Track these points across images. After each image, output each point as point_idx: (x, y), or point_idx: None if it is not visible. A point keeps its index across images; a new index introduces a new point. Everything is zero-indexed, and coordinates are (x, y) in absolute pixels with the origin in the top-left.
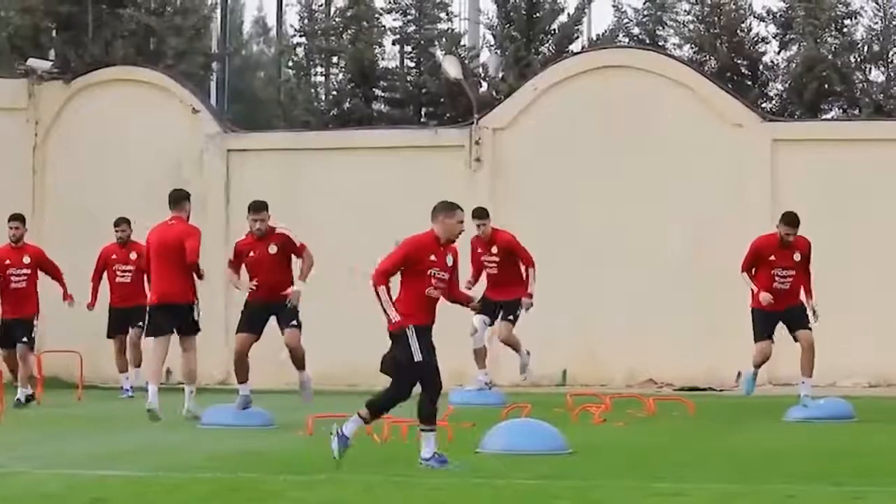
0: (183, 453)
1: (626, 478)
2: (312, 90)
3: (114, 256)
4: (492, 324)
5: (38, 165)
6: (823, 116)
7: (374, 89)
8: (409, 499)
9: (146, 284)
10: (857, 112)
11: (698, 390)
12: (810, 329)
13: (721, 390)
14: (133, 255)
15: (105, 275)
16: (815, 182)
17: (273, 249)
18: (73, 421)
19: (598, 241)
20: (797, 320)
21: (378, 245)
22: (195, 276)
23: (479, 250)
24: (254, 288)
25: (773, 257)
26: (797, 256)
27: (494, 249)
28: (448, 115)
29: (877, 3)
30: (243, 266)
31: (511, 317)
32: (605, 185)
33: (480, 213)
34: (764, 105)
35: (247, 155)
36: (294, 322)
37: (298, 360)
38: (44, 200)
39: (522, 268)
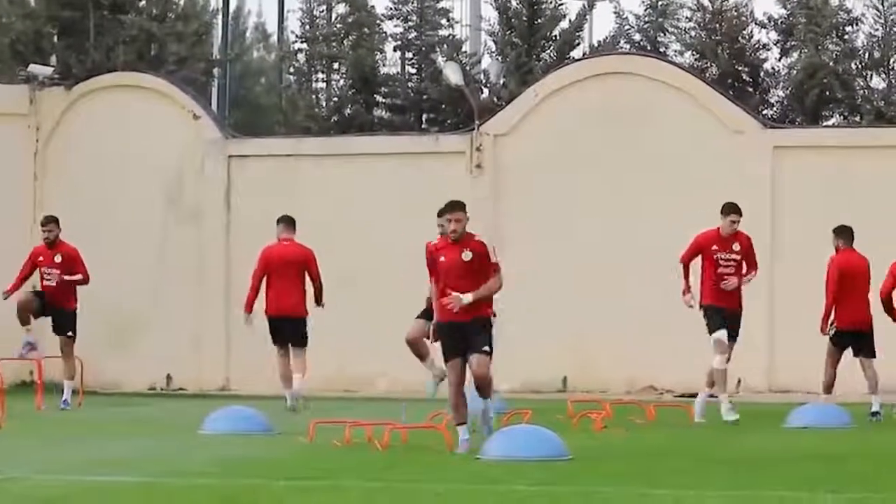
0: (183, 460)
1: (626, 484)
2: (313, 96)
3: (41, 258)
4: None
5: (40, 171)
6: (824, 123)
7: (375, 95)
8: None
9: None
10: (858, 119)
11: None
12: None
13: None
14: (58, 258)
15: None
16: (816, 189)
17: (468, 256)
18: (74, 427)
19: (599, 248)
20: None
21: (377, 251)
22: (316, 298)
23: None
24: None
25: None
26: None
27: None
28: (449, 121)
29: (878, 10)
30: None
31: None
32: (606, 191)
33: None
34: (765, 112)
35: (247, 161)
36: (485, 348)
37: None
38: (44, 206)
39: None
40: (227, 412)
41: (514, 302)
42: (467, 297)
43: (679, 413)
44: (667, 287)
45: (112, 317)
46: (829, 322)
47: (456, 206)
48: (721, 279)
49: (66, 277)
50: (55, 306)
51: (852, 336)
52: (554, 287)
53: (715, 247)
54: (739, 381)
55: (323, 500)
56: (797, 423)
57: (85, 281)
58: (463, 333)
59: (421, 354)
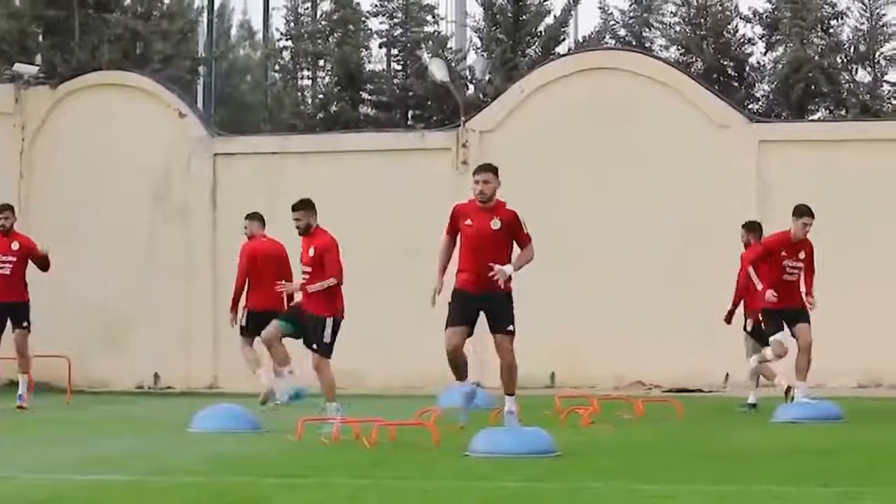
0: (172, 457)
1: (614, 480)
2: (299, 94)
3: None
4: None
5: (25, 170)
6: (810, 117)
7: (360, 92)
8: (397, 502)
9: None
10: (843, 113)
11: (687, 392)
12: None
13: (710, 392)
14: (15, 246)
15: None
16: (803, 183)
17: (496, 225)
18: (62, 426)
19: (586, 243)
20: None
21: (365, 248)
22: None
23: None
24: None
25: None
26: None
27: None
28: (435, 117)
29: (863, 4)
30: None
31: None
32: (592, 187)
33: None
34: (750, 106)
35: (233, 158)
36: (510, 327)
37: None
38: (30, 204)
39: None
40: (216, 410)
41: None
42: (509, 269)
43: (667, 408)
44: (654, 282)
45: (99, 315)
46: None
47: (486, 168)
48: (785, 286)
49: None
50: (8, 299)
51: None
52: (541, 283)
53: (784, 252)
54: (727, 376)
55: (311, 497)
56: (785, 417)
57: (46, 265)
58: (488, 306)
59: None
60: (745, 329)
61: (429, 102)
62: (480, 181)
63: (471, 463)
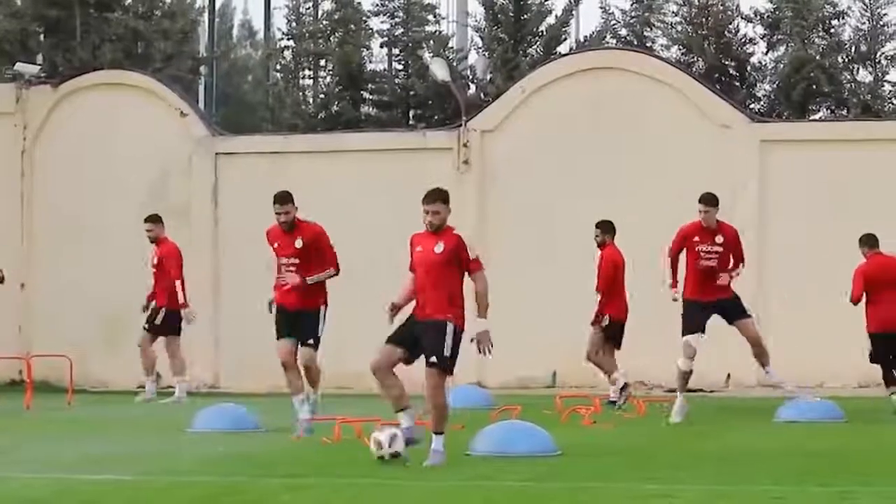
0: (173, 457)
1: (615, 479)
2: (300, 93)
3: None
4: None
5: (27, 169)
6: (811, 117)
7: (361, 92)
8: (399, 502)
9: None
10: (844, 112)
11: (688, 391)
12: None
13: (711, 392)
14: None
15: None
16: (804, 183)
17: (298, 244)
18: (63, 425)
19: (587, 243)
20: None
21: (366, 248)
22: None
23: None
24: None
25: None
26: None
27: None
28: (436, 117)
29: (864, 4)
30: None
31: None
32: (594, 186)
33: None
34: (752, 106)
35: (235, 158)
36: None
37: None
38: (32, 204)
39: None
40: (216, 410)
41: (502, 298)
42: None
43: (669, 408)
44: (656, 282)
45: (100, 315)
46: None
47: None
48: (704, 272)
49: None
50: None
51: (621, 327)
52: (542, 282)
53: (697, 238)
54: (729, 376)
55: (312, 496)
56: (786, 417)
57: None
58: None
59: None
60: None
61: (430, 102)
62: (430, 211)
63: (472, 462)
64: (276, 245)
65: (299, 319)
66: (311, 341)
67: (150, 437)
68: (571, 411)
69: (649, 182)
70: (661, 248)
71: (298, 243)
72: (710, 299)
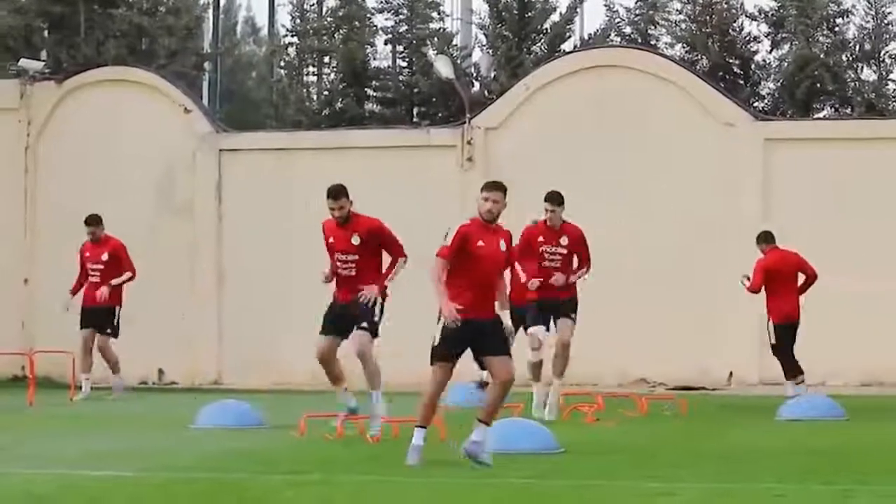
0: (176, 454)
1: (618, 477)
2: (304, 90)
3: None
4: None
5: (31, 165)
6: (815, 115)
7: (365, 89)
8: (401, 499)
9: None
10: (848, 111)
11: (690, 389)
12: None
13: (713, 390)
14: None
15: None
16: (807, 181)
17: (356, 241)
18: (66, 421)
19: (590, 241)
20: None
21: None
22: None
23: None
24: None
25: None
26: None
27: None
28: (440, 114)
29: (868, 2)
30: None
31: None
32: (597, 184)
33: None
34: (756, 104)
35: (238, 155)
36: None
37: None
38: (36, 200)
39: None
40: (220, 406)
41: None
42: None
43: (671, 406)
44: (658, 280)
45: None
46: None
47: (495, 186)
48: (547, 273)
49: None
50: None
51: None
52: None
53: (541, 238)
54: (731, 374)
55: (315, 493)
56: (788, 415)
57: None
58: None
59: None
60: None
61: (434, 99)
62: (490, 199)
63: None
64: (330, 239)
65: (350, 308)
66: (365, 324)
67: (152, 434)
68: (573, 409)
69: (653, 180)
70: (663, 245)
71: (355, 239)
72: (546, 297)
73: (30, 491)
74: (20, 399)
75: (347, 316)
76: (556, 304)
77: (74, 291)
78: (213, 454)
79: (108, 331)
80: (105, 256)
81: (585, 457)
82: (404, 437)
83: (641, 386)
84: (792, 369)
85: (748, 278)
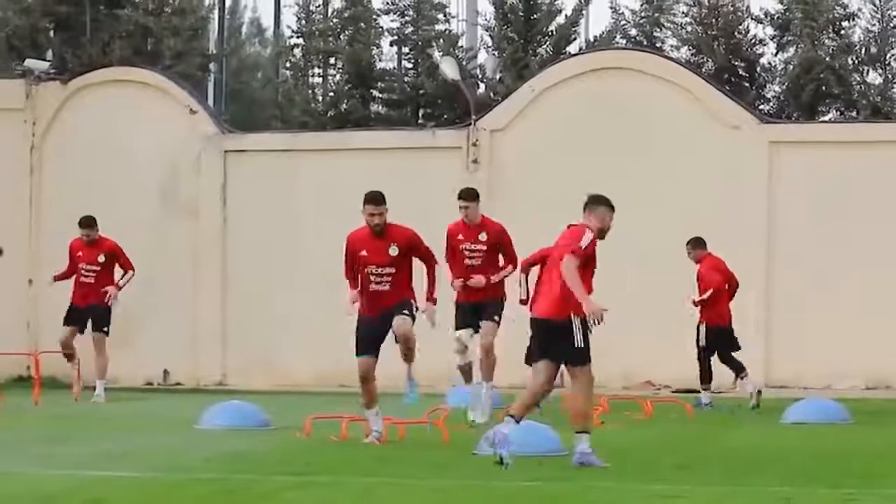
0: (181, 454)
1: (623, 480)
2: (310, 91)
3: None
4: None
5: (36, 165)
6: (821, 118)
7: (371, 90)
8: (406, 500)
9: None
10: (854, 114)
11: (696, 392)
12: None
13: (718, 392)
14: None
15: None
16: (812, 184)
17: (394, 251)
18: (71, 422)
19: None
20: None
21: None
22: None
23: None
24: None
25: None
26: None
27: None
28: (445, 116)
29: (874, 5)
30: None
31: None
32: (603, 186)
33: None
34: (761, 107)
35: (244, 156)
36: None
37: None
38: (41, 200)
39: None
40: (225, 407)
41: (510, 297)
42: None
43: (677, 409)
44: (663, 282)
45: None
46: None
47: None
48: (469, 271)
49: None
50: None
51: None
52: None
53: (461, 236)
54: (736, 377)
55: (320, 494)
56: (794, 418)
57: None
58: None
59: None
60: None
61: (439, 101)
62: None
63: (480, 461)
64: (362, 252)
65: (392, 309)
66: (406, 311)
67: (158, 434)
68: None
69: (658, 182)
70: (669, 248)
71: (393, 250)
72: (470, 300)
73: (35, 491)
74: (26, 399)
75: (381, 330)
76: (479, 307)
77: (57, 279)
78: (218, 455)
79: (105, 329)
80: (102, 258)
81: None
82: (410, 439)
83: (647, 389)
84: (706, 376)
85: (694, 302)
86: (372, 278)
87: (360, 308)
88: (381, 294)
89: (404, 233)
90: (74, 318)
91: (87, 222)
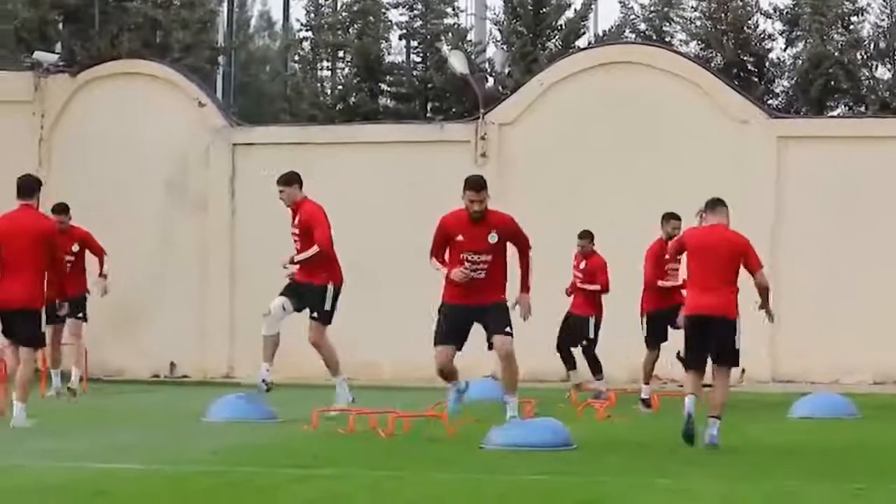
0: (185, 447)
1: (630, 474)
2: (318, 84)
3: None
4: (298, 309)
5: (44, 158)
6: (829, 113)
7: (380, 84)
8: (413, 494)
9: None
10: (863, 109)
11: (703, 386)
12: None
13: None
14: None
15: None
16: (821, 179)
17: (493, 239)
18: (77, 415)
19: (604, 236)
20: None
21: (383, 239)
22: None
23: None
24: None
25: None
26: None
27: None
28: (454, 110)
29: (883, 0)
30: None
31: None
32: (611, 180)
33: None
34: (770, 102)
35: (252, 149)
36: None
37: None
38: (49, 193)
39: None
40: (232, 399)
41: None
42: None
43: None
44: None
45: (116, 304)
46: None
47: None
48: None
49: None
50: None
51: None
52: (558, 275)
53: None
54: (743, 372)
55: (327, 487)
56: (801, 413)
57: None
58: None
59: None
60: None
61: (448, 95)
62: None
63: (486, 455)
64: (458, 237)
65: (488, 312)
66: (508, 329)
67: (163, 426)
68: (586, 405)
69: (666, 177)
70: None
71: (493, 237)
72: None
73: (40, 484)
74: (31, 392)
75: (467, 322)
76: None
77: None
78: (223, 448)
79: (81, 315)
80: (76, 247)
81: (597, 453)
82: (416, 433)
83: (654, 383)
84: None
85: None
86: (467, 265)
87: (446, 294)
88: (475, 283)
89: (503, 217)
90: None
91: (62, 208)
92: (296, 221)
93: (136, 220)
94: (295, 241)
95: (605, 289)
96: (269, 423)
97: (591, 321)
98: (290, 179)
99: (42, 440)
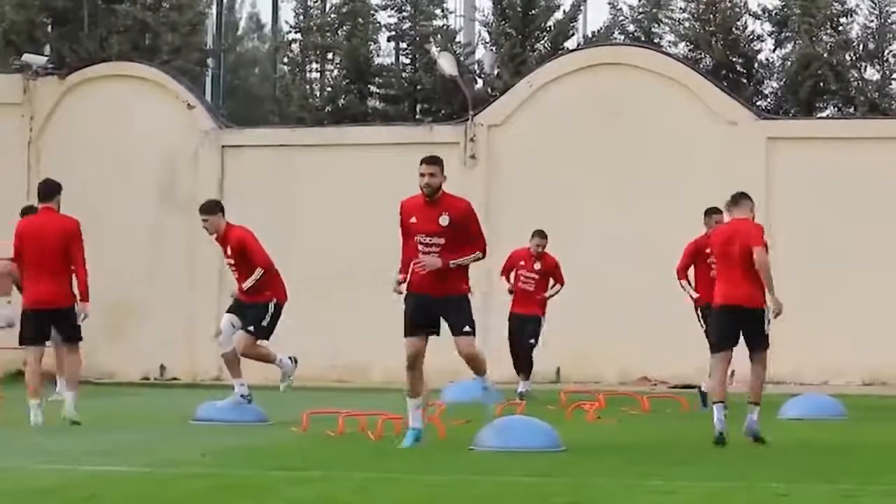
0: (177, 449)
1: (619, 475)
2: (307, 86)
3: None
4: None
5: (33, 160)
6: (818, 115)
7: (369, 86)
8: (402, 495)
9: None
10: (852, 110)
11: (692, 388)
12: None
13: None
14: None
15: None
16: (810, 180)
17: (444, 221)
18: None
19: (592, 239)
20: None
21: (372, 242)
22: None
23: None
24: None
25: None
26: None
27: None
28: (443, 111)
29: (872, 2)
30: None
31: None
32: (600, 182)
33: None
34: (759, 103)
35: (241, 151)
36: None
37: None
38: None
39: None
40: (221, 402)
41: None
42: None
43: (673, 404)
44: (661, 278)
45: (106, 306)
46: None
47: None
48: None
49: None
50: None
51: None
52: None
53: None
54: (733, 373)
55: (316, 489)
56: (791, 414)
57: None
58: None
59: None
60: None
61: (437, 96)
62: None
63: (476, 457)
64: (412, 220)
65: (447, 308)
66: (468, 328)
67: (154, 429)
68: (576, 407)
69: (655, 177)
70: (667, 244)
71: (444, 220)
72: None
73: (32, 486)
74: (23, 393)
75: (432, 311)
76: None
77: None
78: (215, 450)
79: None
80: None
81: (586, 455)
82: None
83: (643, 384)
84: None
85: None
86: (421, 248)
87: (409, 284)
88: (433, 270)
89: (458, 203)
90: None
91: (31, 211)
92: (228, 252)
93: (125, 221)
94: (232, 269)
95: (563, 284)
96: (259, 425)
97: (543, 321)
98: (212, 208)
99: (34, 442)
